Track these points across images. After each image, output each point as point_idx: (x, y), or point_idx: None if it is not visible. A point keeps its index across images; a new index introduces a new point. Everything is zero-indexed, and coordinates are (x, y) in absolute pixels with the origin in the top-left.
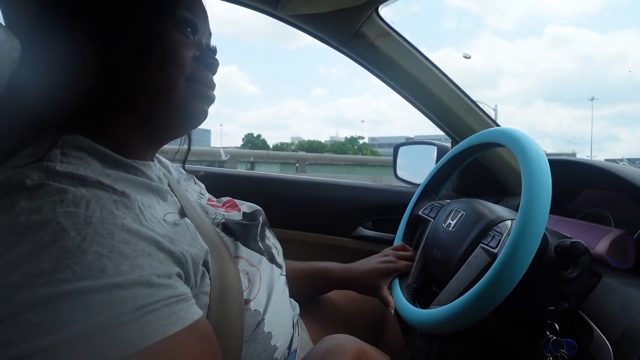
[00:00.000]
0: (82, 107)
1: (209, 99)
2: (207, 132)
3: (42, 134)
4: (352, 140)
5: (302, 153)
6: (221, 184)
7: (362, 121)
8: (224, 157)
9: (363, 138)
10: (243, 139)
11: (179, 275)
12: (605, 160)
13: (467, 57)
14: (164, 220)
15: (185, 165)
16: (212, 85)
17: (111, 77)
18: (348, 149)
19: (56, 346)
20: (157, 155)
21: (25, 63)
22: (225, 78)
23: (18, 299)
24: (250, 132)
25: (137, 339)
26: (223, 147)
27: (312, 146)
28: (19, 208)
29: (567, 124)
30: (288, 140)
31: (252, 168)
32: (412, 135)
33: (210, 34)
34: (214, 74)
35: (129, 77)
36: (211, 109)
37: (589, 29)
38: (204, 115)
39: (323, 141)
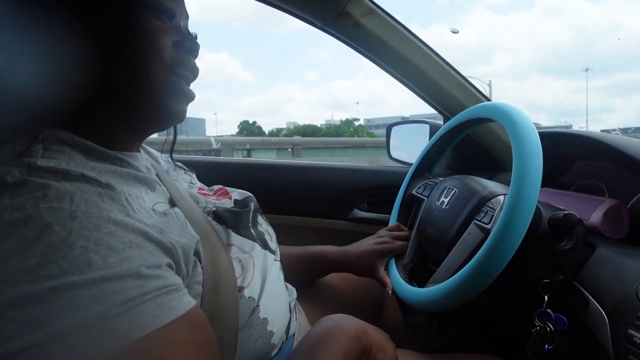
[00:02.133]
0: (62, 100)
1: (188, 97)
2: (202, 121)
3: (23, 130)
4: (348, 123)
5: (297, 138)
6: (214, 173)
7: (357, 103)
8: (214, 145)
9: (358, 120)
10: (238, 126)
11: (169, 266)
12: (601, 131)
13: (455, 32)
14: (153, 210)
15: (180, 156)
16: (195, 70)
17: (89, 69)
18: (344, 132)
19: (45, 342)
20: (144, 146)
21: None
22: (217, 65)
23: (3, 297)
24: (245, 119)
25: (128, 331)
26: (216, 136)
27: (308, 130)
28: (1, 206)
29: (563, 97)
30: (284, 126)
31: (248, 155)
32: (407, 115)
33: (187, 17)
34: (195, 57)
35: (108, 68)
36: (204, 98)
37: None
38: (183, 114)
39: (319, 125)
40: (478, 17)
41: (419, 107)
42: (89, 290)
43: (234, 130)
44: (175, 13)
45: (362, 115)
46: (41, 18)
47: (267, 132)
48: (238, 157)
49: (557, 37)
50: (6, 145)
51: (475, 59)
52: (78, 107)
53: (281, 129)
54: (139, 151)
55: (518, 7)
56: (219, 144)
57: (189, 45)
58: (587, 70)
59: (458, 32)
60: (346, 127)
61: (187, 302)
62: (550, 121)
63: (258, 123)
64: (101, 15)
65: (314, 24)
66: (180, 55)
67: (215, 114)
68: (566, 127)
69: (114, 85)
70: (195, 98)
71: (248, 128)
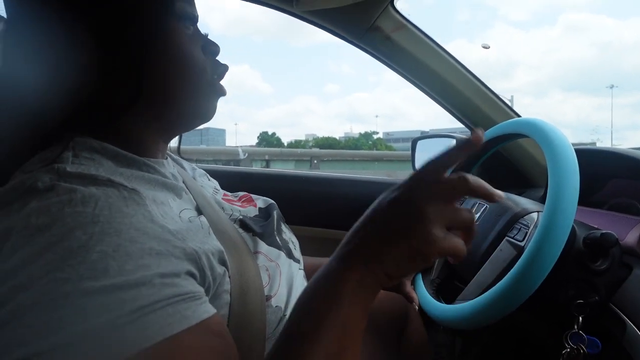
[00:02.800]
0: (92, 109)
1: (220, 93)
2: (222, 132)
3: (55, 138)
4: (366, 136)
5: (315, 150)
6: (236, 182)
7: (376, 116)
8: (242, 156)
9: (377, 133)
10: (258, 137)
11: (189, 273)
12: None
13: (486, 47)
14: (180, 217)
15: (201, 164)
16: (224, 68)
17: (119, 77)
18: (362, 145)
19: (53, 349)
20: (170, 153)
21: (29, 66)
22: (238, 77)
23: (22, 301)
24: (264, 130)
25: (136, 340)
26: (240, 146)
27: (327, 142)
28: (30, 209)
29: (586, 114)
30: (302, 137)
31: (267, 166)
32: (427, 130)
33: (198, 19)
34: (216, 57)
35: (138, 76)
36: (225, 109)
37: (605, 15)
38: (214, 111)
39: (337, 137)
40: (499, 33)
41: (438, 122)
42: (101, 297)
43: (253, 141)
44: (195, 18)
45: (380, 128)
46: (67, 28)
47: (285, 144)
48: (256, 167)
49: (580, 54)
50: (37, 153)
51: (496, 74)
52: (107, 115)
53: (300, 141)
54: (166, 158)
55: (541, 24)
56: (246, 154)
57: (213, 49)
58: (612, 87)
59: (489, 47)
60: (365, 140)
61: (203, 310)
62: (574, 138)
63: (277, 134)
64: (127, 22)
65: (346, 38)
66: (211, 62)
67: (236, 124)
68: (590, 144)
69: (146, 93)
70: (218, 109)
71: (267, 139)
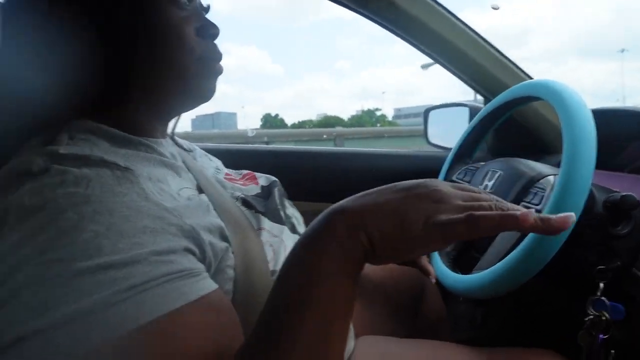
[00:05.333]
0: (88, 93)
1: (218, 72)
2: (233, 115)
3: (52, 122)
4: (369, 113)
5: (316, 129)
6: (239, 160)
7: (383, 92)
8: (250, 134)
9: (380, 110)
10: (261, 120)
11: (187, 250)
12: None
13: (495, 7)
14: (179, 194)
15: (204, 144)
16: (219, 54)
17: (112, 61)
18: (365, 122)
19: (50, 328)
20: (169, 134)
21: (23, 56)
22: (245, 59)
23: (18, 280)
24: (275, 112)
25: (132, 317)
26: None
27: (330, 122)
28: (23, 191)
29: (604, 79)
30: (312, 117)
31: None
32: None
33: None
34: (215, 39)
35: (132, 60)
36: (233, 92)
37: None
38: (213, 91)
39: (344, 118)
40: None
41: (450, 95)
42: (94, 276)
43: (258, 124)
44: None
45: (391, 104)
46: (53, 15)
47: (289, 125)
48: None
49: (596, 18)
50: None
51: (509, 41)
52: (103, 98)
53: (304, 122)
54: (165, 137)
55: None
56: (254, 132)
57: (211, 32)
58: (622, 51)
59: (499, 8)
60: (368, 118)
61: (202, 286)
62: (592, 104)
63: (280, 116)
64: (117, 4)
65: (349, 6)
66: (206, 45)
67: (242, 107)
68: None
69: (140, 76)
70: (226, 92)
71: (271, 121)
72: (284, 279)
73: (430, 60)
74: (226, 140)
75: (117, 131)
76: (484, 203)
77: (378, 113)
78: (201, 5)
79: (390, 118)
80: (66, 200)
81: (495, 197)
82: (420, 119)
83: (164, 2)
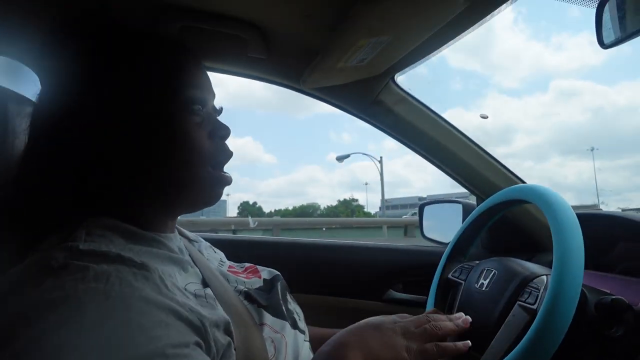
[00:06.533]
0: (104, 191)
1: (225, 182)
2: (223, 202)
3: (70, 218)
4: (346, 203)
5: (276, 219)
6: (240, 251)
7: (366, 183)
8: (252, 225)
9: (356, 200)
10: (239, 207)
11: (197, 344)
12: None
13: (484, 117)
14: (185, 289)
15: (208, 234)
16: (229, 154)
17: (131, 163)
18: (340, 212)
19: None
20: (178, 227)
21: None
22: (241, 149)
23: None
24: (246, 200)
25: None
26: (250, 218)
27: (306, 211)
28: (45, 287)
29: (588, 176)
30: (288, 207)
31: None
32: (424, 196)
33: (214, 95)
34: (225, 140)
35: (150, 162)
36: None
37: (592, 82)
38: (218, 198)
39: (321, 206)
40: (493, 101)
41: (437, 188)
42: None
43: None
44: (207, 100)
45: (378, 195)
46: (76, 114)
47: (266, 213)
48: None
49: (575, 118)
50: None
51: (494, 140)
52: (118, 196)
53: (279, 210)
54: (174, 232)
55: (533, 91)
56: (256, 223)
57: (222, 134)
58: (592, 149)
59: (487, 117)
60: (343, 208)
61: None
62: (577, 200)
63: (259, 204)
64: (136, 110)
65: (350, 111)
66: (215, 145)
67: (228, 195)
68: (592, 206)
69: (154, 175)
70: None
71: (249, 209)
72: None
73: (345, 153)
74: (225, 227)
75: (132, 227)
76: (427, 326)
77: (354, 203)
78: (214, 107)
79: (371, 209)
80: (86, 295)
81: (431, 316)
82: (406, 210)
83: (181, 110)
